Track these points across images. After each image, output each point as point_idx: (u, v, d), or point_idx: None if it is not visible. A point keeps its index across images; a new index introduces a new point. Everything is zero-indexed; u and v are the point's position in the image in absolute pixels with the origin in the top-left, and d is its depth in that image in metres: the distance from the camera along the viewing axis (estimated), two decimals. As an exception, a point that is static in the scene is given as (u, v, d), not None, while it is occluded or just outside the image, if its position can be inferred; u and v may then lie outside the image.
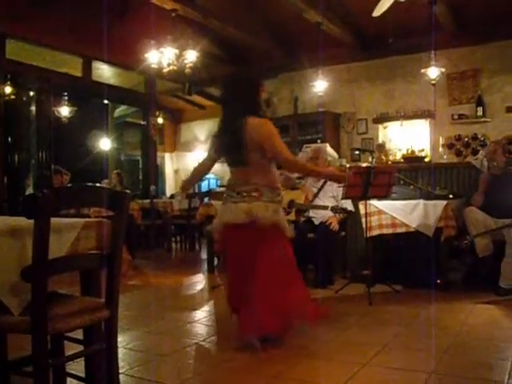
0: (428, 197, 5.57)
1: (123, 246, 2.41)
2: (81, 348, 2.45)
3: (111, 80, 11.17)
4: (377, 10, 6.80)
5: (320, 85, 8.90)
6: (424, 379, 2.88)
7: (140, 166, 12.85)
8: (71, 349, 2.48)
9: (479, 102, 9.21)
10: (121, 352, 3.40)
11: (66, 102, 10.48)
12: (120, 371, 2.64)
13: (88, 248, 2.30)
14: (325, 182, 5.92)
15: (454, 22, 8.69)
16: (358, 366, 3.09)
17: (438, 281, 5.28)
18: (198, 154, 14.53)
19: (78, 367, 2.70)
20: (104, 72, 10.80)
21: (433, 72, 7.99)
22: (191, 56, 7.97)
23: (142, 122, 11.94)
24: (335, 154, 7.62)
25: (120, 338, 3.69)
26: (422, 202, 5.41)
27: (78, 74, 10.02)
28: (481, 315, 4.38)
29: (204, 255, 8.05)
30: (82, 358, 2.48)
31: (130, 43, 8.62)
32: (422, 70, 8.05)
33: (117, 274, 2.33)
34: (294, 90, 11.02)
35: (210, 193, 9.37)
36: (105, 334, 2.37)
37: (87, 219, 2.39)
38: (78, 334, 2.42)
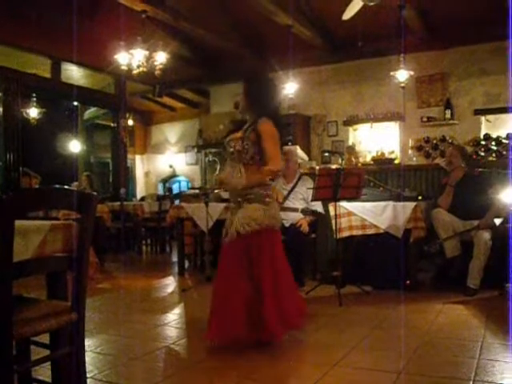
0: (397, 198, 5.62)
1: (90, 248, 2.38)
2: (47, 352, 2.41)
3: (81, 81, 11.05)
4: (346, 13, 6.85)
5: (290, 87, 8.92)
6: (393, 379, 2.90)
7: (110, 168, 12.74)
8: (38, 353, 2.44)
9: (447, 105, 9.34)
10: (89, 356, 3.38)
11: (35, 104, 10.34)
12: (88, 375, 2.61)
13: (55, 251, 2.27)
14: (295, 184, 5.94)
15: (423, 27, 8.80)
16: (328, 367, 3.10)
17: (408, 282, 5.33)
18: (168, 157, 14.50)
19: (44, 372, 2.66)
20: (73, 73, 10.69)
21: (402, 75, 8.08)
22: (161, 58, 7.92)
23: (112, 124, 11.84)
24: (305, 156, 7.65)
25: (88, 342, 3.67)
26: (391, 203, 5.46)
27: (47, 75, 9.90)
28: (449, 315, 4.43)
29: (175, 258, 8.01)
30: (49, 363, 2.44)
31: (100, 44, 8.53)
32: (391, 73, 8.13)
33: (84, 276, 2.30)
34: (265, 92, 11.01)
35: (180, 195, 9.33)
36: (72, 337, 2.33)
37: (54, 222, 2.35)
38: (45, 338, 2.39)
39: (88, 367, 3.05)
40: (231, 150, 3.71)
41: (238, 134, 3.76)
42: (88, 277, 2.39)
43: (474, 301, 4.93)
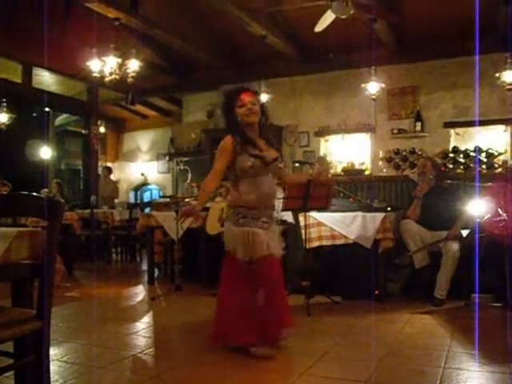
0: (367, 209, 5.68)
1: (58, 256, 2.36)
2: (11, 361, 2.38)
3: (53, 87, 10.96)
4: (318, 25, 6.92)
5: (263, 97, 8.95)
6: (359, 388, 2.93)
7: (81, 175, 12.63)
8: (1, 362, 2.40)
9: (418, 118, 9.48)
10: (55, 365, 3.34)
11: (5, 109, 10.21)
12: (53, 385, 2.58)
13: (21, 258, 2.25)
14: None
15: (394, 40, 8.93)
16: (296, 376, 3.11)
17: (376, 292, 5.37)
18: (140, 165, 14.43)
19: (8, 382, 2.62)
20: (45, 79, 10.60)
21: (373, 87, 8.19)
22: (134, 65, 7.90)
23: (84, 131, 11.76)
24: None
25: (55, 351, 3.63)
26: (360, 214, 5.50)
27: (18, 80, 9.80)
28: (416, 325, 4.48)
29: (145, 266, 7.96)
30: (12, 372, 2.41)
31: (72, 50, 8.47)
32: (363, 85, 8.23)
33: (49, 284, 2.28)
34: (238, 101, 11.01)
35: (151, 203, 9.28)
36: (37, 346, 2.31)
37: (20, 229, 2.33)
38: (9, 347, 2.36)
39: (53, 376, 3.03)
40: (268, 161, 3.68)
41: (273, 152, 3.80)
42: (55, 285, 2.37)
43: (440, 311, 4.99)
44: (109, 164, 14.65)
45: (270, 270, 3.65)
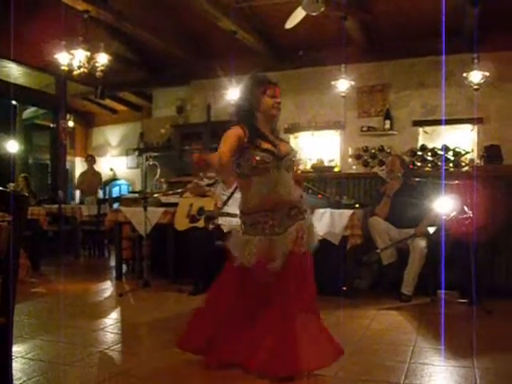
0: (336, 206, 5.71)
1: (22, 251, 2.32)
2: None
3: (20, 80, 10.77)
4: (289, 22, 6.92)
5: (233, 93, 8.94)
6: (328, 383, 2.95)
7: (49, 170, 12.45)
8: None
9: (387, 116, 9.55)
10: (19, 362, 3.29)
11: (-30, 101, 10.02)
12: (16, 382, 2.54)
13: (-16, 253, 2.21)
14: (234, 190, 5.95)
15: (365, 38, 8.97)
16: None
17: (344, 288, 5.41)
18: (109, 160, 14.30)
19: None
20: (12, 71, 10.40)
21: (342, 85, 8.23)
22: (103, 59, 7.81)
23: (52, 125, 11.58)
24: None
25: (19, 348, 3.58)
26: (329, 210, 5.53)
27: (-17, 72, 9.62)
28: (383, 321, 4.53)
29: (113, 262, 7.89)
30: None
31: (40, 42, 8.32)
32: (332, 83, 8.27)
33: (13, 279, 2.24)
34: (208, 97, 11.00)
35: (120, 199, 9.20)
36: None
37: (-17, 223, 2.29)
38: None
39: (17, 374, 2.99)
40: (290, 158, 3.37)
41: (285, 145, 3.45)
42: (19, 280, 2.33)
43: (407, 307, 5.06)
44: (77, 158, 14.50)
45: (282, 283, 3.21)
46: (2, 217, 5.41)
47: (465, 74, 7.72)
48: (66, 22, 7.27)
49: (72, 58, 7.64)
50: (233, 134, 3.23)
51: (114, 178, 14.28)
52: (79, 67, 7.63)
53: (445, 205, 5.06)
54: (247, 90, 3.45)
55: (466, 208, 4.96)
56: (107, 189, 14.17)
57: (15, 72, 10.48)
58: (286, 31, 7.33)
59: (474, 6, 7.22)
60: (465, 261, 4.92)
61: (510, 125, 8.65)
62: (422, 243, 5.31)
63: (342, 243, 5.42)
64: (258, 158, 3.18)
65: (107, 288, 6.45)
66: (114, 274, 7.06)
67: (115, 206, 8.46)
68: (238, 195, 5.95)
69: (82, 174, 11.26)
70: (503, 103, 8.73)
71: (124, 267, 7.23)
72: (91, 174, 11.01)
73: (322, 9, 6.37)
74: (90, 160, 11.11)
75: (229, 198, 5.94)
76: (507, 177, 5.63)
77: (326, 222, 5.45)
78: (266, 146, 3.24)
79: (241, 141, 3.21)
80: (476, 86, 7.71)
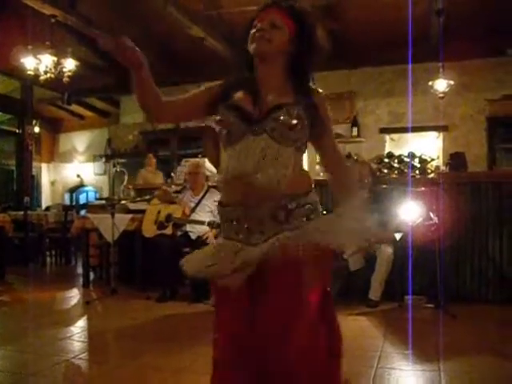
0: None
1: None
2: None
3: (-16, 84, 10.63)
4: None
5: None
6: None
7: (14, 176, 12.26)
8: None
9: (354, 123, 9.65)
10: (-17, 372, 3.23)
11: None
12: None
13: None
14: (202, 197, 5.95)
15: (332, 46, 9.05)
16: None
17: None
18: (76, 166, 14.15)
19: None
20: (-24, 75, 10.25)
21: (310, 92, 8.28)
22: (70, 64, 7.75)
23: (18, 131, 11.42)
24: (213, 169, 7.65)
25: (-18, 357, 3.51)
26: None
27: None
28: (351, 326, 4.55)
29: (80, 269, 7.80)
30: None
31: (5, 46, 8.21)
32: (300, 91, 8.31)
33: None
34: (177, 103, 10.92)
35: (87, 206, 9.10)
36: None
37: None
38: None
39: (-20, 384, 2.93)
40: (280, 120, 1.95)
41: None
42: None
43: (375, 312, 5.10)
44: (43, 164, 14.31)
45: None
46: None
47: (430, 83, 7.86)
48: (32, 26, 7.20)
49: (38, 63, 7.57)
50: (208, 85, 2.19)
51: (81, 185, 14.12)
52: (46, 72, 7.55)
53: (411, 211, 5.13)
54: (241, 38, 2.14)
55: (431, 214, 5.03)
56: (73, 195, 14.02)
57: (-21, 76, 10.33)
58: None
59: (439, 16, 7.35)
60: (431, 266, 4.99)
61: (474, 132, 8.83)
62: (389, 249, 5.36)
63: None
64: (218, 117, 2.05)
65: (74, 296, 6.36)
66: (81, 281, 6.97)
67: (82, 212, 8.36)
68: (206, 202, 5.98)
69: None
70: (467, 111, 8.91)
71: (91, 274, 7.15)
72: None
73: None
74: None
75: (197, 205, 5.95)
76: (471, 183, 5.72)
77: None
78: (236, 100, 2.03)
79: (211, 92, 2.14)
80: (441, 95, 7.85)
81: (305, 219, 1.98)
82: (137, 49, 1.99)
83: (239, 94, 2.05)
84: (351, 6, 8.06)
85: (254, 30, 2.03)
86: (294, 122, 1.96)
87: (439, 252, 4.99)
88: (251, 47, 2.03)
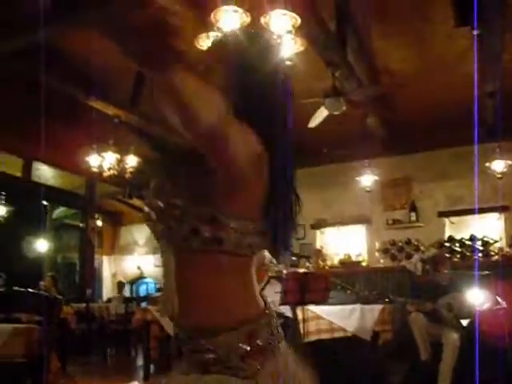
0: (365, 301, 5.64)
1: (53, 352, 2.34)
2: None
3: (51, 181, 11.08)
4: (312, 121, 7.10)
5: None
6: None
7: (77, 268, 12.55)
8: None
9: (412, 208, 9.55)
10: None
11: (3, 202, 10.28)
12: None
13: (15, 355, 2.23)
14: (263, 288, 5.92)
15: (386, 133, 9.15)
16: None
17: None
18: (136, 258, 14.37)
19: None
20: (44, 172, 10.72)
21: (367, 180, 8.34)
22: (132, 161, 8.05)
23: (81, 225, 11.79)
24: (273, 260, 7.65)
25: None
26: (358, 306, 5.46)
27: (18, 173, 9.92)
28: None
29: (140, 361, 7.77)
30: None
31: (72, 146, 8.60)
32: (357, 178, 8.37)
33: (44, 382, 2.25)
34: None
35: (148, 298, 9.19)
36: None
37: (16, 325, 2.32)
38: None
39: None
40: None
41: None
42: (49, 382, 2.34)
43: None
44: (105, 257, 14.60)
45: None
46: (31, 317, 5.44)
47: (487, 164, 7.78)
48: (97, 126, 7.56)
49: (102, 160, 7.89)
50: None
51: (141, 277, 14.28)
52: (109, 169, 7.86)
53: (478, 296, 4.98)
54: None
55: (498, 298, 4.87)
56: (134, 287, 14.16)
57: (47, 173, 10.81)
58: (309, 130, 7.51)
59: (492, 98, 7.37)
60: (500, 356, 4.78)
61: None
62: (454, 335, 5.17)
63: (373, 339, 5.32)
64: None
65: (135, 389, 6.33)
66: (141, 374, 6.93)
67: (143, 304, 8.43)
68: (266, 293, 5.92)
69: None
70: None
71: (152, 367, 7.11)
72: None
73: (344, 108, 6.55)
74: None
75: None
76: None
77: (356, 317, 5.37)
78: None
79: None
80: (499, 175, 7.76)
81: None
82: None
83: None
84: (404, 94, 8.19)
85: None
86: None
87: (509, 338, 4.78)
88: None
